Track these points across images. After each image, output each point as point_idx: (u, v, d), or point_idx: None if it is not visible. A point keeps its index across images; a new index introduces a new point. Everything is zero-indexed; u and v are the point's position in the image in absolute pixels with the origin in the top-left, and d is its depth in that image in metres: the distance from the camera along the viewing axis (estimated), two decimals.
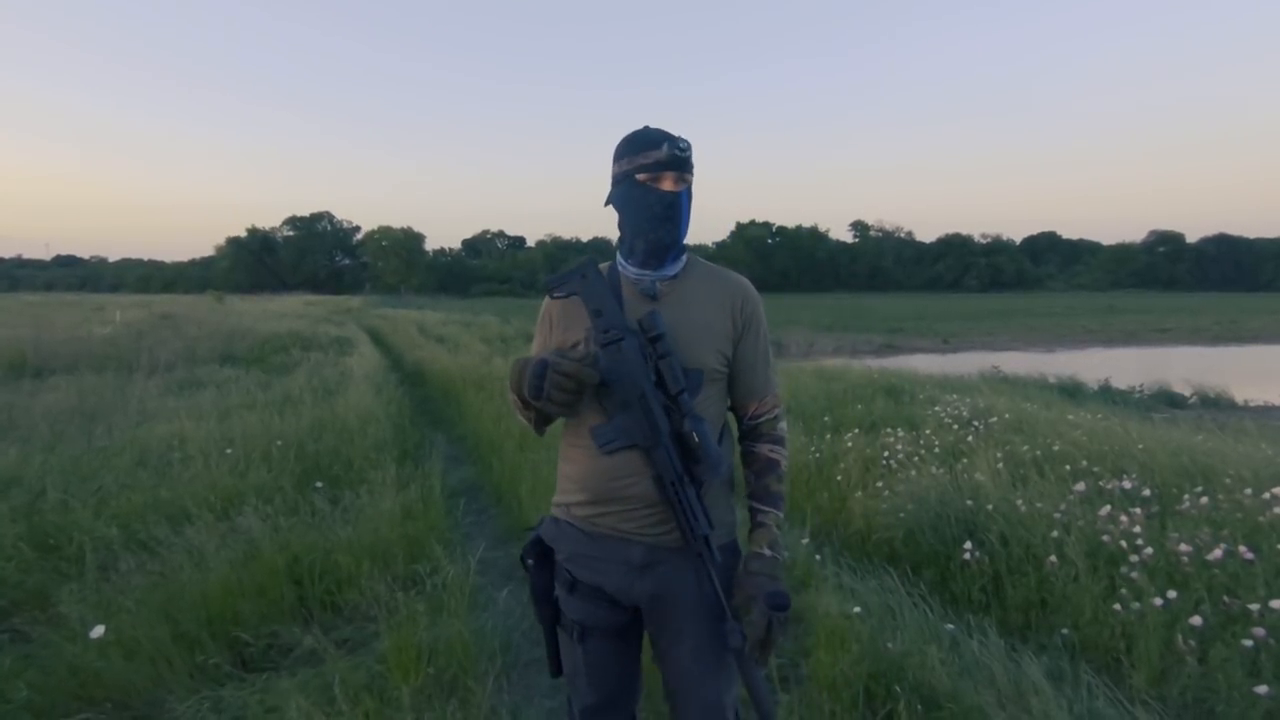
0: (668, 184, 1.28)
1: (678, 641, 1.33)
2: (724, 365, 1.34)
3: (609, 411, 1.28)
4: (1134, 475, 3.62)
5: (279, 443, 4.54)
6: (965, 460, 4.14)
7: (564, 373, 1.18)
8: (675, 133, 1.30)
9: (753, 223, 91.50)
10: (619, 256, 1.38)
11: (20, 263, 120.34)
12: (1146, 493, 3.35)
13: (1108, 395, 9.84)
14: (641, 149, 1.29)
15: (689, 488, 1.23)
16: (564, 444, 1.39)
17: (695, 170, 1.31)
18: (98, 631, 2.27)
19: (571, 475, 1.35)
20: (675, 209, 1.29)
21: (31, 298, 42.31)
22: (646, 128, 1.31)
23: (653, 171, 1.28)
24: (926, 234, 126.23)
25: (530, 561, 1.37)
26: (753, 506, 1.35)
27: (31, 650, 2.43)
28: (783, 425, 1.41)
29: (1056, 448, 4.23)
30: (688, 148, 1.28)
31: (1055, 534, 2.97)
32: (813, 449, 4.67)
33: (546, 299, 1.39)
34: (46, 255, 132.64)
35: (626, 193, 1.31)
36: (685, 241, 1.36)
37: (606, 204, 1.37)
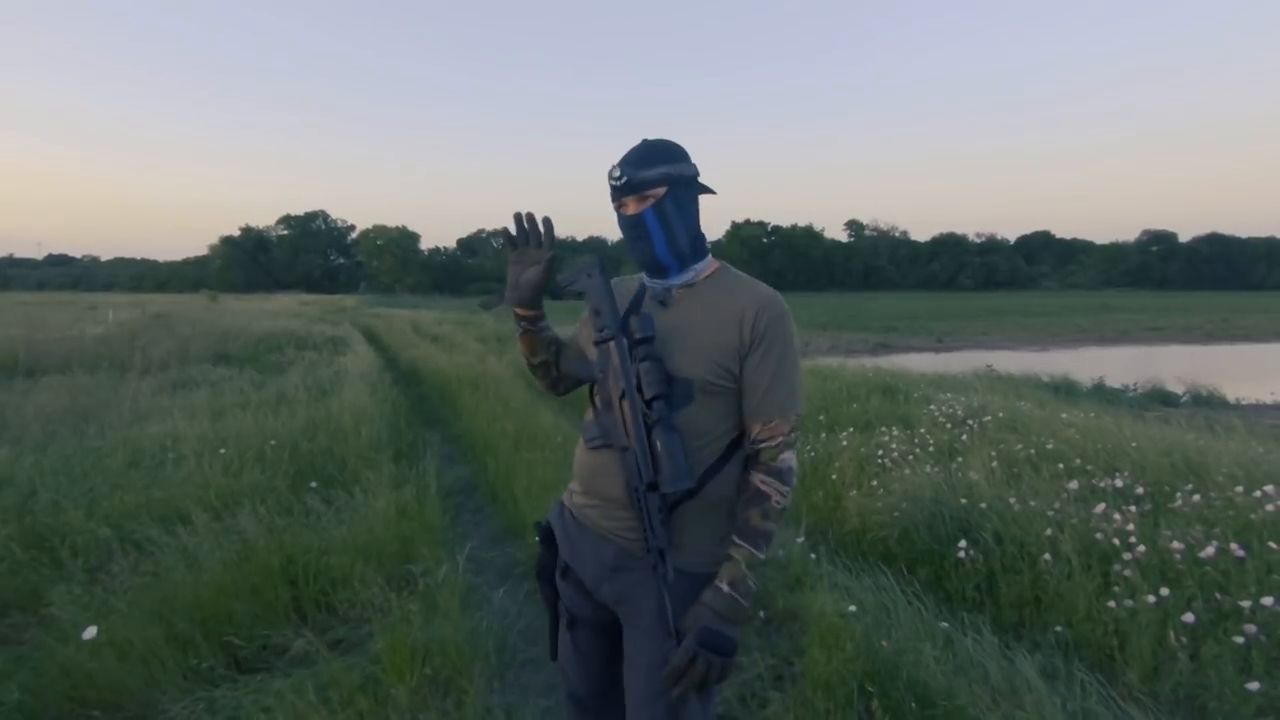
0: (630, 208, 1.29)
1: (635, 659, 1.29)
2: (724, 379, 1.26)
3: (598, 409, 1.32)
4: (1127, 473, 3.63)
5: (273, 442, 4.52)
6: (960, 459, 4.15)
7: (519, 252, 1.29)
8: (667, 134, 1.33)
9: (748, 222, 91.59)
10: None
11: (12, 261, 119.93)
12: (1139, 491, 3.36)
13: (1101, 393, 9.89)
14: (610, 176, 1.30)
15: (653, 497, 1.20)
16: None
17: (673, 180, 1.27)
18: (90, 633, 2.26)
19: (575, 466, 1.40)
20: (643, 229, 1.28)
21: (24, 297, 42.06)
22: (645, 140, 1.30)
23: (615, 199, 1.30)
24: (921, 233, 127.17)
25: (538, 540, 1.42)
26: (731, 539, 1.24)
27: (23, 652, 2.42)
28: (787, 456, 1.27)
29: (1050, 446, 4.24)
30: (620, 176, 1.26)
31: (1049, 532, 2.98)
32: (808, 448, 4.67)
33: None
34: (39, 254, 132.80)
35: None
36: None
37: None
